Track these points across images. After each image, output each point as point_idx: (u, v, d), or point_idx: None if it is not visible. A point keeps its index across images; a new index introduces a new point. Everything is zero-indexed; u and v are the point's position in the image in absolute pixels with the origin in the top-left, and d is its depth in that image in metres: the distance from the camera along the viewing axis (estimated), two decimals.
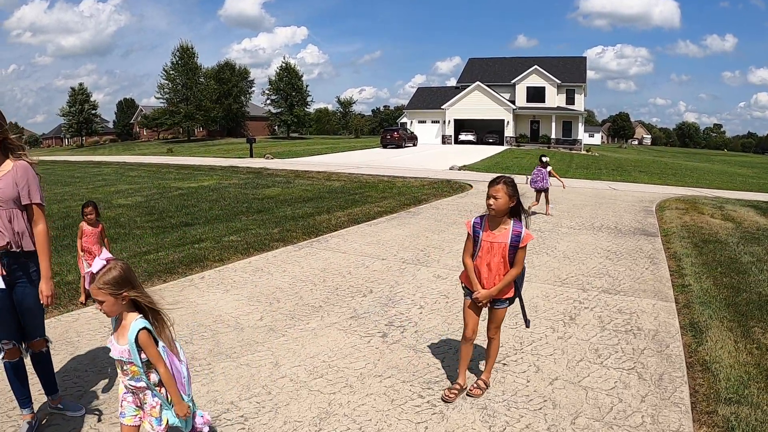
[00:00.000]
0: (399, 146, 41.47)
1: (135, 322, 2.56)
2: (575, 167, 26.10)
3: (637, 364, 4.05)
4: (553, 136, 51.12)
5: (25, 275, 3.26)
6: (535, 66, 52.26)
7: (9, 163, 3.17)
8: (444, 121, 53.92)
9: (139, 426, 2.71)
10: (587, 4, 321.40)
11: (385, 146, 41.93)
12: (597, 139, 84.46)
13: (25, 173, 3.18)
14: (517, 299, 3.74)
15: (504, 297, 3.65)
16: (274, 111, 73.60)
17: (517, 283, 3.68)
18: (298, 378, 3.94)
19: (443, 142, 52.80)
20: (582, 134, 52.81)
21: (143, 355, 2.58)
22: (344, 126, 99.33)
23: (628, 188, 16.98)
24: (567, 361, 4.10)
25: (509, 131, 51.75)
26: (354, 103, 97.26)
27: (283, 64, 73.10)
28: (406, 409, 3.46)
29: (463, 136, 52.31)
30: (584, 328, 4.77)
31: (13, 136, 3.18)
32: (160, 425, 2.67)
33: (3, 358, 3.30)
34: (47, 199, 15.39)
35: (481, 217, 3.67)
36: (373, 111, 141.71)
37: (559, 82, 51.61)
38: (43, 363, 3.53)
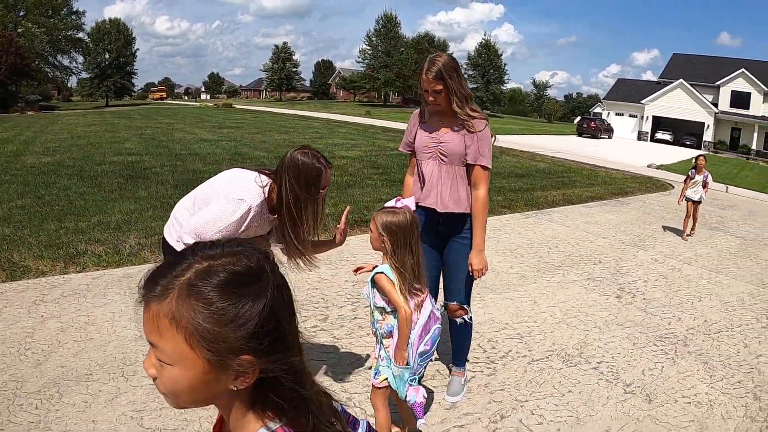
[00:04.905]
0: (594, 136, 40.24)
1: (382, 265, 2.56)
2: None
3: None
4: (753, 147, 45.98)
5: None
6: (743, 69, 46.68)
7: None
8: (642, 117, 50.96)
9: None
10: None
11: (580, 134, 41.01)
12: None
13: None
14: None
15: None
16: (470, 86, 73.69)
17: None
18: (556, 315, 5.01)
19: (639, 138, 49.97)
20: None
21: (380, 300, 2.58)
22: (536, 109, 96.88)
23: None
24: None
25: (708, 136, 47.54)
26: (550, 86, 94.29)
27: (483, 41, 72.87)
28: (645, 352, 4.38)
29: (659, 135, 49.00)
30: None
31: None
32: (376, 379, 2.63)
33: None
34: (274, 144, 17.57)
35: None
36: (565, 97, 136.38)
37: (766, 89, 45.86)
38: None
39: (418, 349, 2.56)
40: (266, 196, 2.62)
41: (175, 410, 3.09)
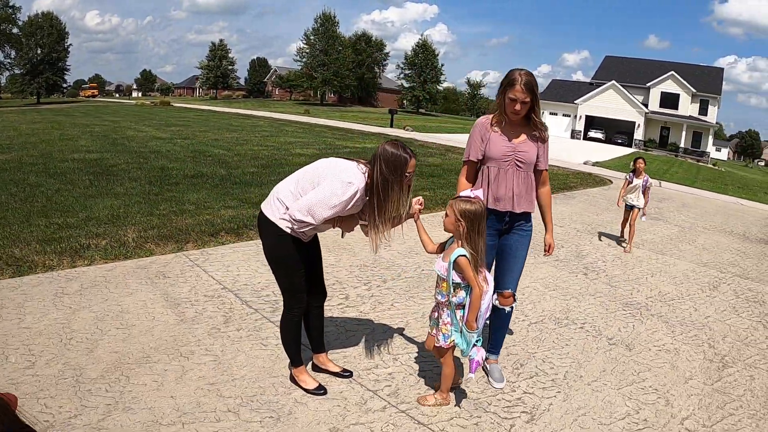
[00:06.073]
0: None
1: (459, 248, 2.99)
2: (702, 179, 26.31)
3: (763, 320, 5.62)
4: (681, 145, 49.52)
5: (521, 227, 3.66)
6: (672, 72, 50.42)
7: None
8: (575, 116, 53.48)
9: (434, 337, 3.22)
10: (723, 9, 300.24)
11: None
12: (724, 154, 79.79)
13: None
14: None
15: None
16: (406, 85, 74.81)
17: None
18: (538, 289, 5.84)
19: (572, 137, 52.39)
20: (710, 147, 50.86)
21: (456, 278, 3.00)
22: (470, 108, 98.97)
23: (756, 206, 17.39)
24: (715, 309, 5.77)
25: (639, 134, 50.60)
26: (484, 86, 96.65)
27: (420, 41, 74.40)
28: (617, 315, 5.29)
29: (592, 133, 51.58)
30: (724, 294, 6.37)
31: None
32: (446, 341, 3.12)
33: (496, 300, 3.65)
34: (227, 142, 17.78)
35: None
36: (496, 96, 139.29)
37: (694, 90, 49.60)
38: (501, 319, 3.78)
39: (486, 316, 3.11)
40: (366, 180, 3.09)
41: (249, 379, 3.49)
